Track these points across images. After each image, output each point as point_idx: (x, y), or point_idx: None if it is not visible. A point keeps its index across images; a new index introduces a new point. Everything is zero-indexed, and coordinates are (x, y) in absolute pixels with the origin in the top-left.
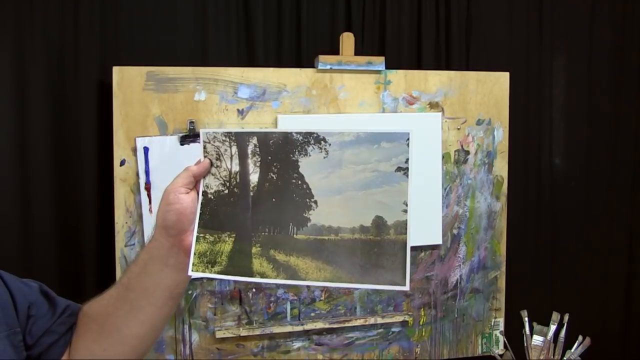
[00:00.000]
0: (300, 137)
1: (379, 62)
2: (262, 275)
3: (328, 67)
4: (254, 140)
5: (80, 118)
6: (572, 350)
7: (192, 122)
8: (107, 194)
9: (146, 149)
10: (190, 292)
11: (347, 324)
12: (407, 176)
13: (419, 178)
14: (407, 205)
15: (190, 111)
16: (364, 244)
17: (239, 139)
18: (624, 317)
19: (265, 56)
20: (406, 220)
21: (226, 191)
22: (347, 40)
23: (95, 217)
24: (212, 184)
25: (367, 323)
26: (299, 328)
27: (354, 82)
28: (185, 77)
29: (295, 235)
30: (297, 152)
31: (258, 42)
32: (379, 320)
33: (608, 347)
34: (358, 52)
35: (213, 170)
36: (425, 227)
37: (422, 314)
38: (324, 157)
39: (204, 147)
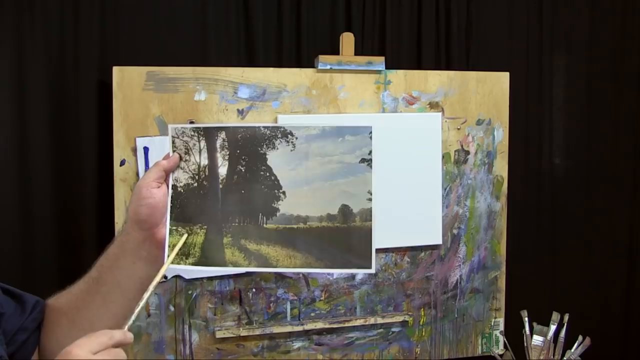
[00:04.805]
0: (268, 131)
1: (379, 62)
2: (235, 264)
3: (328, 67)
4: (222, 135)
5: (80, 118)
6: (572, 350)
7: (192, 122)
8: (107, 194)
9: (146, 149)
10: (190, 292)
11: (347, 324)
12: (371, 167)
13: (419, 178)
14: (371, 194)
15: (190, 111)
16: (331, 231)
17: (208, 133)
18: (624, 317)
19: (265, 56)
20: (371, 207)
21: (195, 184)
22: (347, 40)
23: (95, 217)
24: (182, 177)
25: (367, 323)
26: (299, 328)
27: (354, 82)
28: (185, 77)
29: (265, 225)
30: (265, 146)
31: (258, 42)
32: (379, 320)
33: (608, 347)
34: (358, 52)
35: (182, 164)
36: (425, 227)
37: (422, 314)
38: (291, 150)
39: (173, 142)
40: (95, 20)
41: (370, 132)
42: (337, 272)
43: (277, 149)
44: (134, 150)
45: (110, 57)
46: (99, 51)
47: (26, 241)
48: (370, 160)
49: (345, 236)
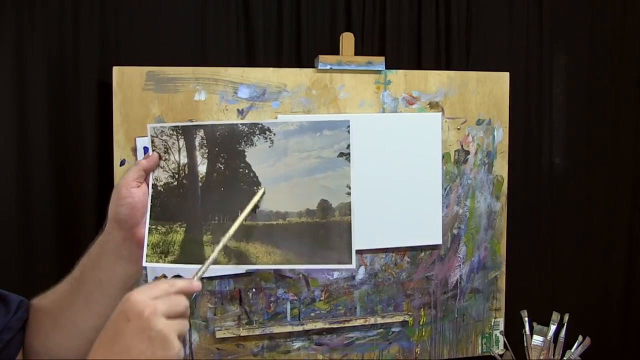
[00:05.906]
0: (246, 128)
1: (379, 62)
2: (215, 262)
3: (328, 67)
4: (201, 133)
5: (80, 118)
6: (572, 350)
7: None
8: (107, 194)
9: (146, 149)
10: None
11: (347, 324)
12: (349, 161)
13: (419, 178)
14: (350, 188)
15: (190, 111)
16: (311, 227)
17: (186, 132)
18: (624, 317)
19: (265, 56)
20: (350, 202)
21: (175, 183)
22: (347, 40)
23: (95, 217)
24: (162, 176)
25: (367, 323)
26: (299, 328)
27: (354, 82)
28: (185, 77)
29: (244, 222)
30: (243, 143)
31: (258, 42)
32: (379, 320)
33: (608, 347)
34: (358, 52)
35: (162, 163)
36: (425, 227)
37: (422, 314)
38: (269, 147)
39: (152, 142)
40: (95, 20)
41: (348, 126)
42: (316, 267)
43: (256, 145)
44: (134, 150)
45: (110, 57)
46: (99, 51)
47: (26, 241)
48: (349, 154)
49: (325, 231)
